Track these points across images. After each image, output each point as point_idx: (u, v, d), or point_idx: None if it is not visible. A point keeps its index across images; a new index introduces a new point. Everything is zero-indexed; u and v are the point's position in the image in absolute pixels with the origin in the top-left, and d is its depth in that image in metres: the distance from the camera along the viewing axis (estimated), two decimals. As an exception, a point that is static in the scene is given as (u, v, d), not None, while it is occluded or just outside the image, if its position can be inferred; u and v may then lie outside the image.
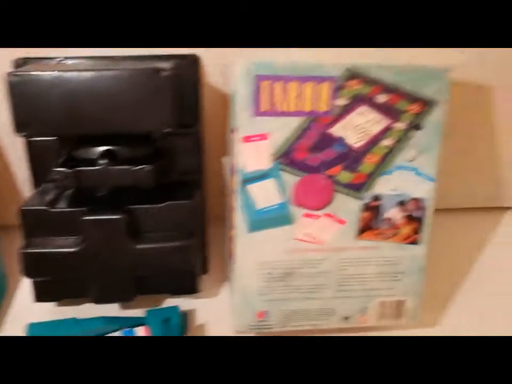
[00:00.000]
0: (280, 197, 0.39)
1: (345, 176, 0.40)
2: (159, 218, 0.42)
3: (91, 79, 0.36)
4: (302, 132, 0.38)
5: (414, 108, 0.39)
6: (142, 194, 0.42)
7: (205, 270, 0.51)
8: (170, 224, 0.42)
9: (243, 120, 0.38)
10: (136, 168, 0.40)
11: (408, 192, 0.41)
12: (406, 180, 0.40)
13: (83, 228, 0.40)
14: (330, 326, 0.44)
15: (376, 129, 0.39)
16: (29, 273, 0.41)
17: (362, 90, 0.38)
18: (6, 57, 0.43)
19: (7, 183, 0.52)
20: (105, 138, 0.40)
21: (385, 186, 0.40)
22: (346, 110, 0.38)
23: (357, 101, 0.38)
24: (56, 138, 0.43)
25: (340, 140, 0.39)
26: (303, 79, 0.37)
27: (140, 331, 0.42)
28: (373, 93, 0.38)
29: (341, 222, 0.41)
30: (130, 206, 0.41)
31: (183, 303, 0.46)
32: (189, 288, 0.47)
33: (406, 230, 0.42)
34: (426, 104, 0.39)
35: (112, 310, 0.46)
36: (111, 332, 0.41)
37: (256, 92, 0.37)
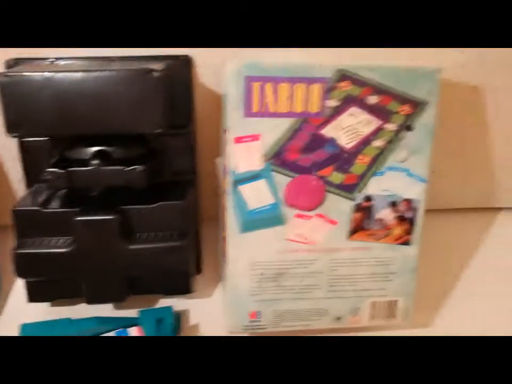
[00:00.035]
0: (272, 198, 0.40)
1: (336, 177, 0.40)
2: (152, 219, 0.42)
3: (82, 80, 0.36)
4: (294, 133, 0.38)
5: (405, 109, 0.39)
6: (134, 195, 0.42)
7: (198, 270, 0.51)
8: (163, 225, 0.43)
9: (234, 121, 0.38)
10: (129, 168, 0.40)
11: (400, 193, 0.41)
12: (398, 181, 0.41)
13: (75, 228, 0.40)
14: (322, 326, 0.44)
15: (367, 130, 0.39)
16: (21, 274, 0.42)
17: (353, 92, 0.38)
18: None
19: (0, 184, 0.52)
20: (98, 139, 0.40)
21: (376, 187, 0.40)
22: (337, 111, 0.38)
23: (348, 102, 0.38)
24: (48, 139, 0.43)
25: (331, 141, 0.39)
26: (294, 80, 0.37)
27: (133, 331, 0.42)
28: (364, 94, 0.38)
29: (333, 222, 0.41)
30: (123, 207, 0.41)
31: (176, 303, 0.46)
32: (182, 288, 0.47)
33: (398, 230, 0.42)
34: (418, 105, 0.39)
35: (107, 310, 0.46)
36: (104, 332, 0.41)
37: (247, 93, 0.37)
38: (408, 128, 0.39)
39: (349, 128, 0.39)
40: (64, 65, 0.42)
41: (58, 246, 0.41)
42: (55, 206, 0.42)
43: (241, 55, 0.45)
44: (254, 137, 0.38)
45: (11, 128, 0.37)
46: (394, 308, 0.44)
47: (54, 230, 0.41)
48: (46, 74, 0.36)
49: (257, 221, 0.40)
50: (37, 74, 0.36)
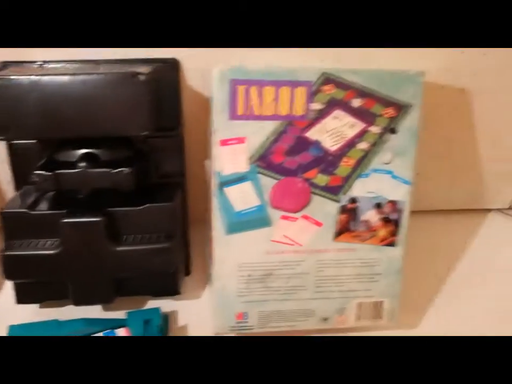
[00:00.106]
0: (258, 200, 0.40)
1: (321, 179, 0.40)
2: (139, 221, 0.43)
3: (69, 83, 0.37)
4: (279, 136, 0.39)
5: (389, 111, 0.39)
6: (122, 197, 0.42)
7: (187, 271, 0.51)
8: (150, 226, 0.43)
9: (220, 124, 0.38)
10: (116, 171, 0.40)
11: (385, 194, 0.41)
12: (383, 183, 0.41)
13: (63, 230, 0.41)
14: (309, 327, 0.44)
15: (351, 133, 0.39)
16: (9, 276, 0.42)
17: (337, 95, 0.39)
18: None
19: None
20: (86, 141, 0.41)
21: (361, 189, 0.41)
22: (321, 114, 0.39)
23: (332, 105, 0.39)
24: (37, 141, 0.44)
25: (316, 144, 0.39)
26: (279, 84, 0.37)
27: (121, 332, 0.42)
28: (347, 97, 0.39)
29: (318, 224, 0.41)
30: (110, 209, 0.42)
31: (165, 304, 0.47)
32: (171, 290, 0.47)
33: (383, 232, 0.42)
34: (401, 108, 0.39)
35: (95, 311, 0.46)
36: (92, 334, 0.42)
37: (233, 96, 0.37)
38: (392, 131, 0.40)
39: (333, 131, 0.39)
40: (51, 69, 0.42)
41: (45, 248, 0.41)
42: (43, 208, 0.42)
43: (228, 58, 0.45)
44: (240, 140, 0.38)
45: (-2, 131, 0.37)
46: (380, 308, 0.44)
47: (42, 232, 0.42)
48: (33, 77, 0.36)
49: (243, 222, 0.40)
50: (23, 78, 0.36)
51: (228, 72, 0.37)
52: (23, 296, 0.45)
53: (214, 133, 0.39)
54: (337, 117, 0.39)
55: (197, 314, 0.47)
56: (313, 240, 0.41)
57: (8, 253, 0.41)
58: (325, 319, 0.44)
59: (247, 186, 0.40)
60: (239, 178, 0.39)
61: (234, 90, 0.37)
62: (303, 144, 0.39)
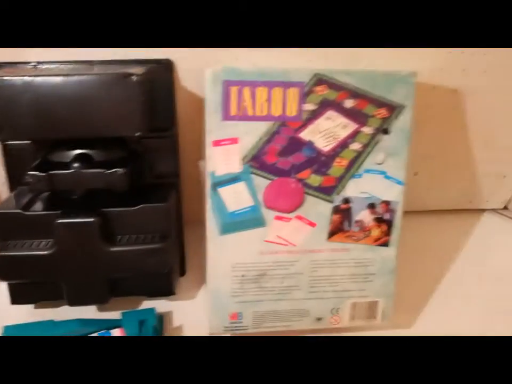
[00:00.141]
0: (251, 200, 0.40)
1: (315, 180, 0.40)
2: (134, 221, 0.43)
3: (63, 84, 0.37)
4: (272, 136, 0.39)
5: (381, 112, 0.40)
6: (116, 197, 0.42)
7: (182, 272, 0.51)
8: (144, 227, 0.43)
9: (213, 125, 0.38)
10: (110, 171, 0.40)
11: (378, 195, 0.42)
12: (376, 183, 0.41)
13: (57, 231, 0.41)
14: (303, 327, 0.44)
15: (344, 133, 0.40)
16: (3, 276, 0.42)
17: (330, 96, 0.39)
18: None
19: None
20: (80, 142, 0.41)
21: (355, 189, 0.41)
22: (314, 115, 0.39)
23: (324, 105, 0.39)
24: (31, 142, 0.44)
25: (309, 144, 0.40)
26: (271, 84, 0.38)
27: (116, 333, 0.42)
28: (340, 98, 0.39)
29: (312, 224, 0.41)
30: (104, 209, 0.42)
31: (160, 305, 0.47)
32: (165, 290, 0.47)
33: (376, 232, 0.42)
34: (394, 109, 0.40)
35: (90, 312, 0.46)
36: (87, 334, 0.42)
37: (225, 96, 0.38)
38: (385, 131, 0.40)
39: (326, 132, 0.39)
40: (44, 70, 0.42)
41: (40, 249, 0.41)
42: (37, 209, 0.42)
43: (221, 59, 0.45)
44: (233, 140, 0.39)
45: (-9, 132, 0.37)
46: (374, 308, 0.44)
47: (36, 233, 0.42)
48: (26, 78, 0.36)
49: (237, 223, 0.40)
50: (17, 79, 0.36)
51: (221, 73, 0.37)
52: (17, 297, 0.45)
53: (207, 134, 0.39)
54: (330, 117, 0.39)
55: (192, 314, 0.47)
56: (307, 240, 0.42)
57: (2, 253, 0.41)
58: (319, 319, 0.44)
59: (240, 186, 0.40)
60: (232, 179, 0.40)
61: (227, 91, 0.37)
62: (296, 145, 0.39)
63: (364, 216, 0.42)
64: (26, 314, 0.45)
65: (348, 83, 0.39)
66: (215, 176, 0.39)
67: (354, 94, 0.39)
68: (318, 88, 0.38)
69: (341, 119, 0.39)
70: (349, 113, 0.39)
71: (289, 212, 0.41)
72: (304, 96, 0.38)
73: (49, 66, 0.43)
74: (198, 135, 0.48)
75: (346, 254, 0.42)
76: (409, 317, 0.47)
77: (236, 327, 0.43)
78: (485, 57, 0.50)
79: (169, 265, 0.44)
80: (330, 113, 0.39)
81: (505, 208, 0.64)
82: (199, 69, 0.41)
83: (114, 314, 0.45)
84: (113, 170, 0.40)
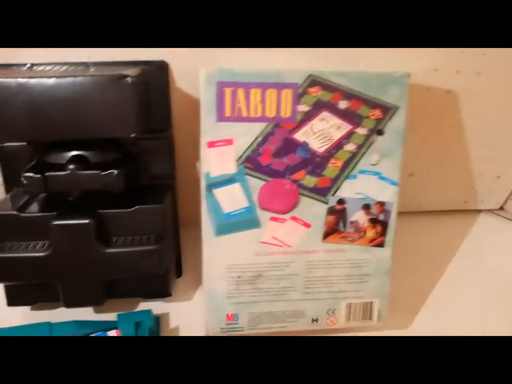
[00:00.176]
0: (246, 201, 0.40)
1: (309, 181, 0.40)
2: (129, 223, 0.43)
3: (57, 86, 0.37)
4: (266, 137, 0.39)
5: (376, 113, 0.40)
6: (112, 199, 0.42)
7: (178, 273, 0.51)
8: (140, 228, 0.43)
9: (207, 126, 0.38)
10: (105, 172, 0.40)
11: (373, 195, 0.42)
12: (370, 184, 0.41)
13: (53, 233, 0.41)
14: (299, 328, 0.44)
15: (338, 134, 0.40)
16: (-1, 278, 0.42)
17: (324, 97, 0.39)
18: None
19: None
20: (75, 144, 0.41)
21: (349, 190, 0.41)
22: (308, 116, 0.39)
23: (319, 107, 0.39)
24: (26, 144, 0.44)
25: (304, 145, 0.40)
26: (266, 86, 0.38)
27: (112, 335, 0.42)
28: (334, 99, 0.39)
29: (307, 225, 0.41)
30: (100, 211, 0.42)
31: (157, 306, 0.47)
32: (161, 291, 0.47)
33: (371, 233, 0.42)
34: (388, 110, 0.40)
35: (87, 313, 0.46)
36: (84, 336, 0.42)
37: (220, 98, 0.38)
38: (379, 132, 0.40)
39: (320, 133, 0.39)
40: (39, 71, 0.42)
41: (36, 250, 0.41)
42: (33, 210, 0.42)
43: (216, 60, 0.45)
44: (227, 142, 0.39)
45: (-14, 134, 0.38)
46: (370, 309, 0.44)
47: (32, 234, 0.42)
48: (21, 80, 0.36)
49: (232, 224, 0.41)
50: (11, 81, 0.36)
51: (215, 74, 0.37)
52: (14, 299, 0.45)
53: (201, 135, 0.39)
54: (324, 118, 0.39)
55: (189, 316, 0.47)
56: (302, 241, 0.42)
57: (-2, 255, 0.41)
58: (315, 320, 0.44)
59: (235, 187, 0.40)
60: (227, 180, 0.40)
61: (221, 93, 0.38)
62: (290, 146, 0.39)
63: (359, 217, 0.42)
64: (22, 316, 0.45)
65: (341, 84, 0.39)
66: (210, 177, 0.40)
67: (348, 95, 0.39)
68: (312, 90, 0.38)
69: (335, 120, 0.39)
70: (343, 114, 0.39)
71: (284, 212, 0.41)
72: (298, 97, 0.38)
73: (43, 68, 0.43)
74: (194, 136, 0.48)
75: (342, 255, 0.42)
76: (405, 318, 0.47)
77: (232, 328, 0.43)
78: (479, 58, 0.50)
79: (165, 266, 0.44)
80: (325, 114, 0.39)
81: (501, 208, 0.64)
82: (195, 70, 0.42)
83: (111, 316, 0.45)
84: (109, 171, 0.40)
